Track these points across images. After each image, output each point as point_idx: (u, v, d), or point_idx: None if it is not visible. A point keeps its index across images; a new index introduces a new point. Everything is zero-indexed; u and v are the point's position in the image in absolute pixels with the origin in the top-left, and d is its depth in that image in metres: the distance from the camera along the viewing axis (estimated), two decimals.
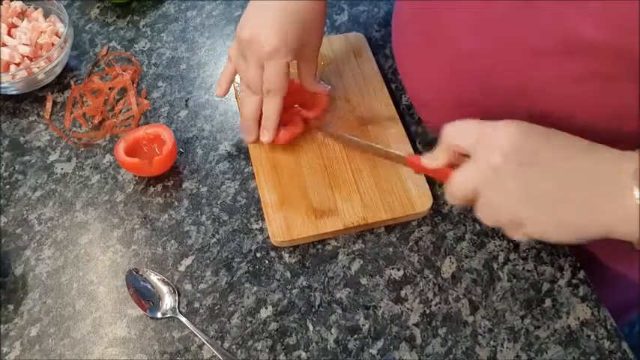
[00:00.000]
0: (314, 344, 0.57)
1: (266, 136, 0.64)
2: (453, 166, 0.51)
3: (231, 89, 0.75)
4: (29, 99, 0.75)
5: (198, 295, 0.60)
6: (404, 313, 0.59)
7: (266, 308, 0.60)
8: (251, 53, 0.59)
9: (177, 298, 0.60)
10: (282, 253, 0.63)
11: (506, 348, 0.57)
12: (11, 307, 0.60)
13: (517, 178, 0.44)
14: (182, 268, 0.62)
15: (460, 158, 0.50)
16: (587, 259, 0.65)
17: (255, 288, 0.61)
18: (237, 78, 0.75)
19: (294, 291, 0.61)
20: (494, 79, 0.52)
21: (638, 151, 0.43)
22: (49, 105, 0.74)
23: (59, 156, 0.70)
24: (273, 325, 0.59)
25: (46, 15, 0.78)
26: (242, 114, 0.66)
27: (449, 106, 0.59)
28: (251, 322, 0.59)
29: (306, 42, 0.61)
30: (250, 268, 0.62)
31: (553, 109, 0.49)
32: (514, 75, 0.51)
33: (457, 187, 0.49)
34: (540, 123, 0.46)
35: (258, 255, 0.63)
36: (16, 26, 0.75)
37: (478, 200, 0.48)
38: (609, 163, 0.44)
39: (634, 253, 0.67)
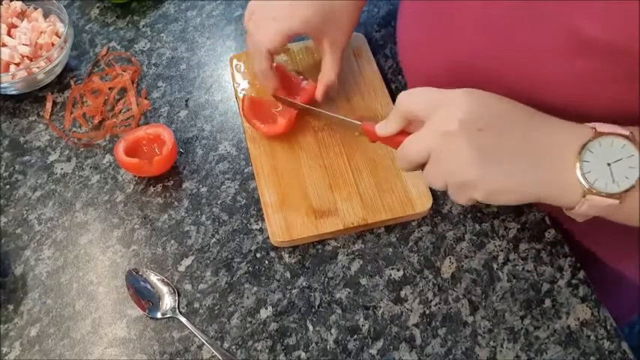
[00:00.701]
0: (314, 344, 0.57)
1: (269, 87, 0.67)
2: (404, 133, 0.52)
3: (231, 89, 0.75)
4: (29, 99, 0.75)
5: (198, 295, 0.60)
6: (404, 314, 0.59)
7: (266, 308, 0.60)
8: (259, 15, 0.62)
9: (177, 298, 0.60)
10: (282, 253, 0.63)
11: (506, 348, 0.57)
12: (11, 307, 0.60)
13: (472, 142, 0.45)
14: (182, 269, 0.62)
15: (412, 126, 0.51)
16: (587, 260, 0.65)
17: (255, 288, 0.61)
18: (238, 77, 0.75)
19: (294, 291, 0.61)
20: (497, 77, 0.52)
21: (591, 127, 0.44)
22: (49, 105, 0.74)
23: (59, 156, 0.70)
24: (273, 326, 0.59)
25: (45, 15, 0.78)
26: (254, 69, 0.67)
27: None
28: (251, 322, 0.59)
29: (332, 22, 0.62)
30: (250, 269, 0.62)
31: (553, 107, 0.49)
32: (516, 73, 0.51)
33: (411, 151, 0.49)
34: None
35: (258, 255, 0.63)
36: (15, 26, 0.75)
37: (429, 164, 0.49)
38: (560, 136, 0.45)
39: (634, 253, 0.67)
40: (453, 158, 0.46)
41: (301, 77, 0.70)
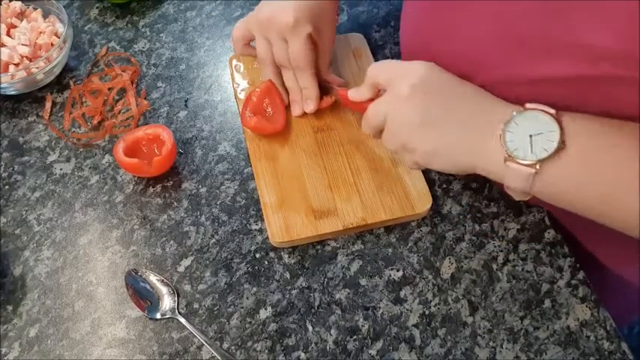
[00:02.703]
0: (313, 345, 0.57)
1: (310, 106, 0.69)
2: (371, 101, 0.57)
3: (231, 90, 0.75)
4: (28, 99, 0.75)
5: (198, 295, 0.60)
6: (403, 314, 0.59)
7: (265, 309, 0.60)
8: (272, 30, 0.64)
9: (176, 298, 0.60)
10: (282, 253, 0.63)
11: (506, 349, 0.57)
12: (10, 307, 0.60)
13: (416, 106, 0.51)
14: (181, 269, 0.62)
15: (381, 94, 0.57)
16: (587, 260, 0.65)
17: (254, 289, 0.61)
18: (237, 77, 0.75)
19: (294, 292, 0.60)
20: (506, 76, 0.52)
21: (516, 107, 0.49)
22: (48, 105, 0.74)
23: (58, 156, 0.70)
24: (273, 326, 0.59)
25: (45, 15, 0.78)
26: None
27: None
28: (250, 322, 0.59)
29: (321, 24, 0.64)
30: (249, 269, 0.62)
31: (553, 105, 0.49)
32: (522, 73, 0.51)
33: (371, 116, 0.56)
34: None
35: (257, 256, 0.63)
36: (15, 26, 0.75)
37: (385, 127, 0.55)
38: (492, 107, 0.50)
39: (634, 254, 0.67)
40: (400, 120, 0.53)
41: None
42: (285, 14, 0.62)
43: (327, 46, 0.68)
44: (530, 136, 0.47)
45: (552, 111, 0.47)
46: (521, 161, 0.47)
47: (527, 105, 0.48)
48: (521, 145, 0.47)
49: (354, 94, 0.60)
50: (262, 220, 0.64)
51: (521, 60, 0.50)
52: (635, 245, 0.65)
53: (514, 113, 0.48)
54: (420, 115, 0.51)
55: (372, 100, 0.58)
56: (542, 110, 0.47)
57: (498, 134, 0.48)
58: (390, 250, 0.63)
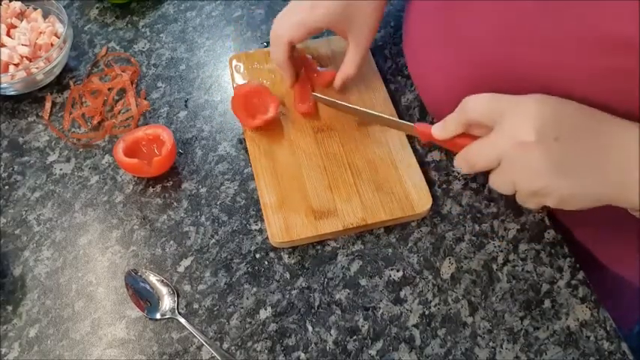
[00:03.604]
0: (313, 345, 0.57)
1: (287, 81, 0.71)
2: (463, 136, 0.52)
3: (231, 90, 0.75)
4: (28, 99, 0.75)
5: (198, 296, 0.60)
6: (403, 314, 0.59)
7: (265, 309, 0.60)
8: (283, 11, 0.67)
9: (176, 299, 0.60)
10: (282, 254, 0.63)
11: (506, 349, 0.57)
12: (10, 307, 0.60)
13: (548, 153, 0.46)
14: (181, 269, 0.62)
15: (471, 129, 0.52)
16: (587, 260, 0.65)
17: (254, 289, 0.61)
18: (237, 77, 0.75)
19: (294, 292, 0.60)
20: (515, 73, 0.52)
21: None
22: (48, 105, 0.74)
23: (58, 157, 0.70)
24: (273, 326, 0.58)
25: (45, 15, 0.78)
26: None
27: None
28: (250, 323, 0.59)
29: (354, 17, 0.64)
30: (249, 269, 0.62)
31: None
32: (534, 72, 0.50)
33: (480, 157, 0.50)
34: None
35: (257, 256, 0.63)
36: (15, 27, 0.75)
37: (497, 172, 0.49)
38: (622, 137, 0.46)
39: (634, 254, 0.67)
40: (527, 167, 0.47)
41: (318, 65, 0.73)
42: (274, 27, 0.65)
43: (360, 34, 0.66)
44: None
45: None
46: None
47: None
48: None
49: (440, 133, 0.54)
50: (262, 220, 0.64)
51: (527, 55, 0.50)
52: (635, 245, 0.65)
53: None
54: (554, 163, 0.46)
55: (463, 136, 0.53)
56: None
57: (637, 165, 0.44)
58: (390, 250, 0.63)
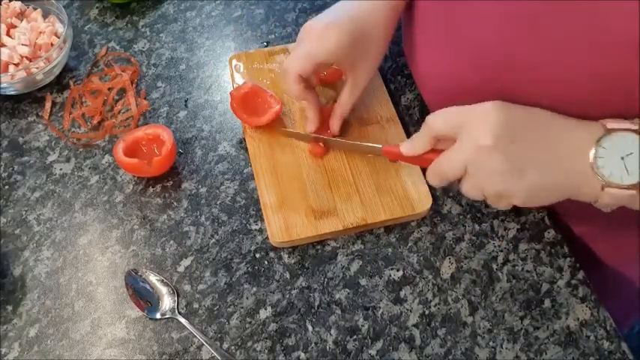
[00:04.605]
0: (313, 345, 0.57)
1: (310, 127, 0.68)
2: (431, 151, 0.55)
3: (231, 89, 0.75)
4: (28, 99, 0.75)
5: (198, 295, 0.60)
6: (403, 314, 0.59)
7: (265, 309, 0.60)
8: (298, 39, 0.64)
9: (176, 298, 0.60)
10: (282, 253, 0.63)
11: (506, 349, 0.57)
12: (10, 307, 0.60)
13: (506, 155, 0.48)
14: (181, 269, 0.62)
15: (439, 144, 0.54)
16: (587, 260, 0.65)
17: (254, 289, 0.61)
18: (237, 77, 0.75)
19: (294, 292, 0.60)
20: (515, 77, 0.52)
21: (601, 123, 0.47)
22: (48, 105, 0.74)
23: (58, 156, 0.70)
24: (273, 326, 0.58)
25: (45, 15, 0.78)
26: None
27: (468, 101, 0.59)
28: (250, 322, 0.59)
29: (360, 51, 0.62)
30: (249, 269, 0.62)
31: (569, 100, 0.49)
32: (534, 72, 0.50)
33: (446, 168, 0.53)
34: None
35: (257, 256, 0.63)
36: (15, 26, 0.75)
37: (465, 178, 0.52)
38: (578, 136, 0.48)
39: (634, 254, 0.67)
40: (489, 170, 0.49)
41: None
42: (288, 59, 0.63)
43: (360, 73, 0.64)
44: (622, 157, 0.46)
45: (635, 126, 0.46)
46: (620, 184, 0.46)
47: (608, 125, 0.47)
48: (615, 169, 0.46)
49: (409, 150, 0.56)
50: (262, 220, 0.64)
51: (528, 55, 0.50)
52: (635, 244, 0.65)
53: (600, 137, 0.47)
54: (512, 163, 0.49)
55: (431, 151, 0.55)
56: (626, 129, 0.46)
57: (590, 163, 0.47)
58: (390, 250, 0.63)
